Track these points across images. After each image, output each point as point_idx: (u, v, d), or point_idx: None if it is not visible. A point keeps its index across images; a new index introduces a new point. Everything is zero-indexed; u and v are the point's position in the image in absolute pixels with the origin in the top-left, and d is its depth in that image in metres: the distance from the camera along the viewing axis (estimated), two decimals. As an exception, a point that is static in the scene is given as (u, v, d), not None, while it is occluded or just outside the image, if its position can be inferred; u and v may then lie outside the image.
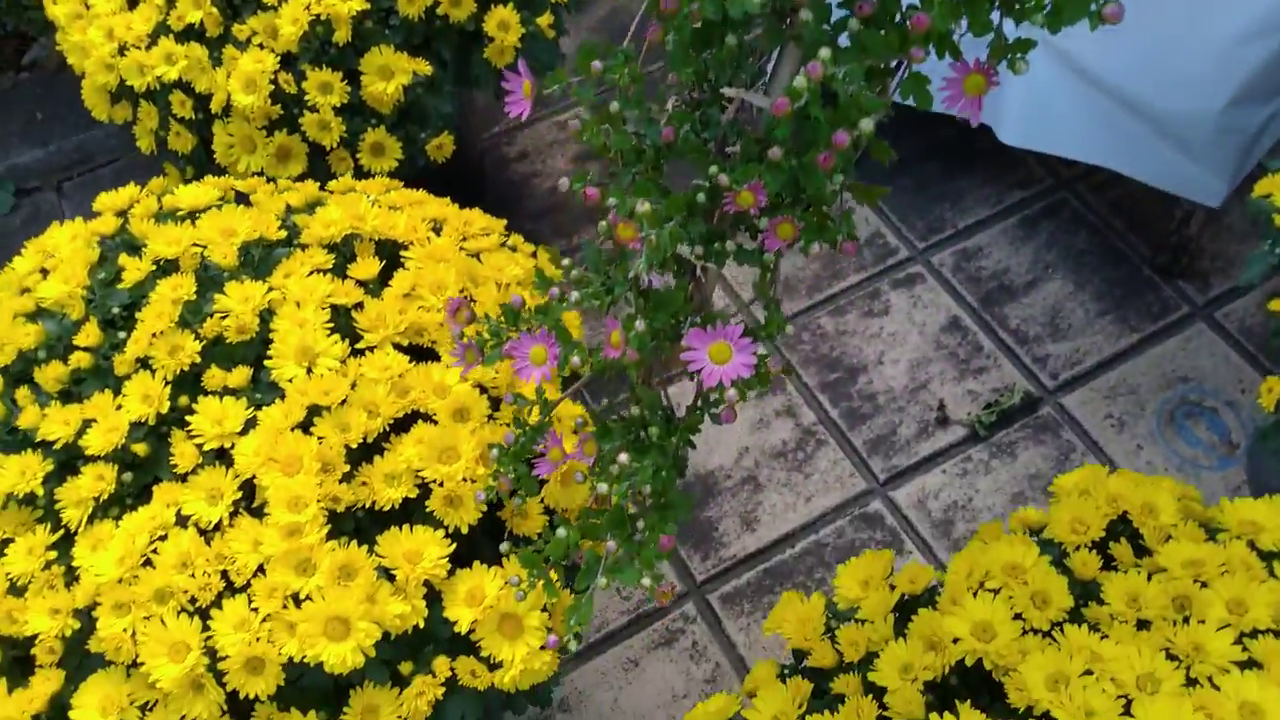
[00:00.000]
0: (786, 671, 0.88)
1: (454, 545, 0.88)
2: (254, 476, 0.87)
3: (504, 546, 0.79)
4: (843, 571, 0.92)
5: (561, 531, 0.73)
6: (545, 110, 2.00)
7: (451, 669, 0.86)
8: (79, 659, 0.87)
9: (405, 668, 0.86)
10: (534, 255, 1.14)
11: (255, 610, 0.82)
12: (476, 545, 0.92)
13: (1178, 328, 1.68)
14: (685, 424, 0.72)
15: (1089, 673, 0.74)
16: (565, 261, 0.70)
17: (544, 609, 0.88)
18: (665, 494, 0.74)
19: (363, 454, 0.91)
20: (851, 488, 1.57)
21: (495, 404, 0.96)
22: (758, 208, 0.63)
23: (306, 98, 1.28)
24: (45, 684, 0.85)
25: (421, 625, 0.86)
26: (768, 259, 0.66)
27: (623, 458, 0.68)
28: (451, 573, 0.88)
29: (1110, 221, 1.80)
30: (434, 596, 0.88)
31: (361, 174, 1.32)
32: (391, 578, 0.86)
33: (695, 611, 1.47)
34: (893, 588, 0.88)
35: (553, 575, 0.78)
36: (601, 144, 0.71)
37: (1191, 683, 0.73)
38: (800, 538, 1.52)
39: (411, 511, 0.90)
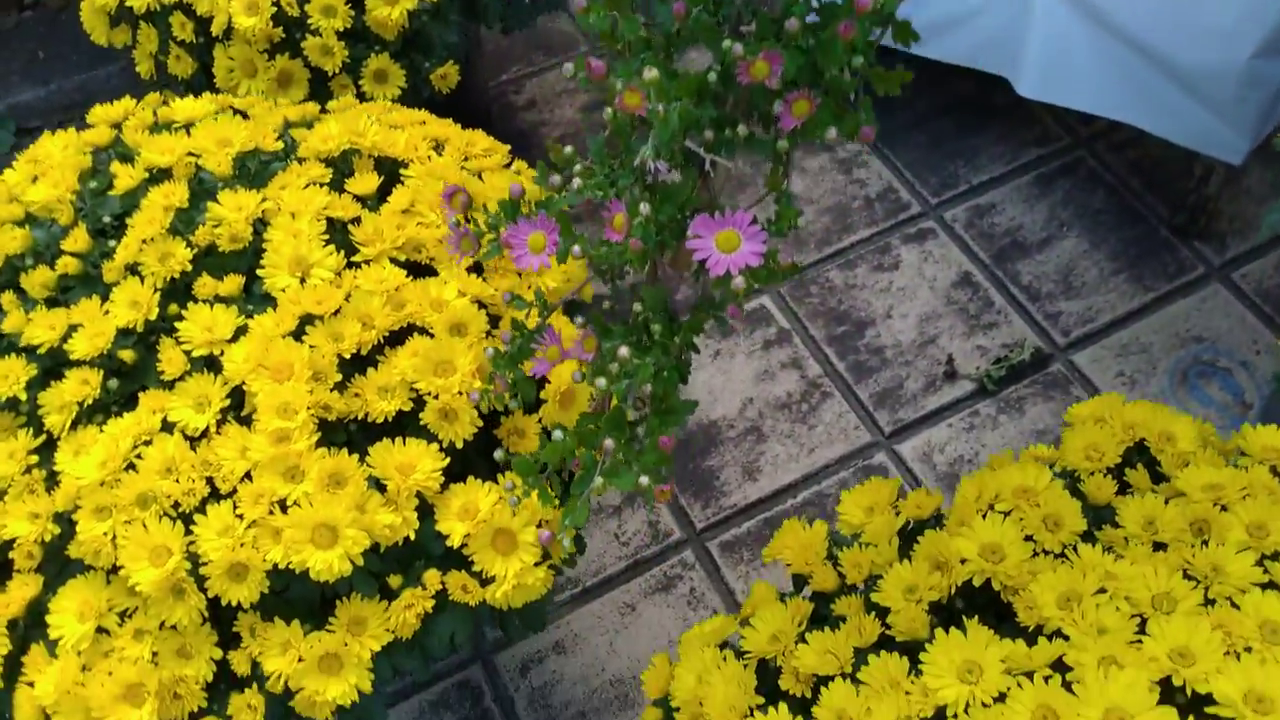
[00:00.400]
0: (786, 597, 0.86)
1: (448, 460, 0.86)
2: (243, 384, 0.85)
3: (498, 454, 0.77)
4: (847, 497, 0.90)
5: (558, 434, 0.71)
6: (553, 59, 1.97)
7: (442, 583, 0.84)
8: (59, 566, 0.85)
9: (394, 581, 0.83)
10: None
11: (240, 517, 0.80)
12: (471, 464, 0.90)
13: (1193, 288, 1.65)
14: (689, 324, 0.69)
15: (1102, 591, 0.71)
16: (568, 149, 0.67)
17: (539, 525, 0.86)
18: (667, 398, 0.71)
19: (356, 366, 0.88)
20: (856, 440, 1.54)
21: (494, 321, 0.93)
22: (772, 84, 0.60)
23: (309, 21, 1.25)
24: (23, 589, 0.83)
25: (412, 538, 0.83)
26: (781, 146, 0.63)
27: (623, 351, 0.65)
28: (445, 487, 0.86)
29: (1128, 181, 1.77)
30: (426, 512, 0.86)
31: (364, 101, 1.29)
32: (383, 489, 0.84)
33: (694, 558, 1.45)
34: (898, 513, 0.86)
35: (549, 490, 0.75)
36: (607, 31, 0.68)
37: (1209, 603, 0.70)
38: (802, 488, 1.50)
39: (405, 426, 0.88)
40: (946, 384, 1.58)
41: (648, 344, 0.69)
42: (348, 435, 0.87)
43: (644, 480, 0.66)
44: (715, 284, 0.65)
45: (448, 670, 1.39)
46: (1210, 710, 0.64)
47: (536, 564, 0.85)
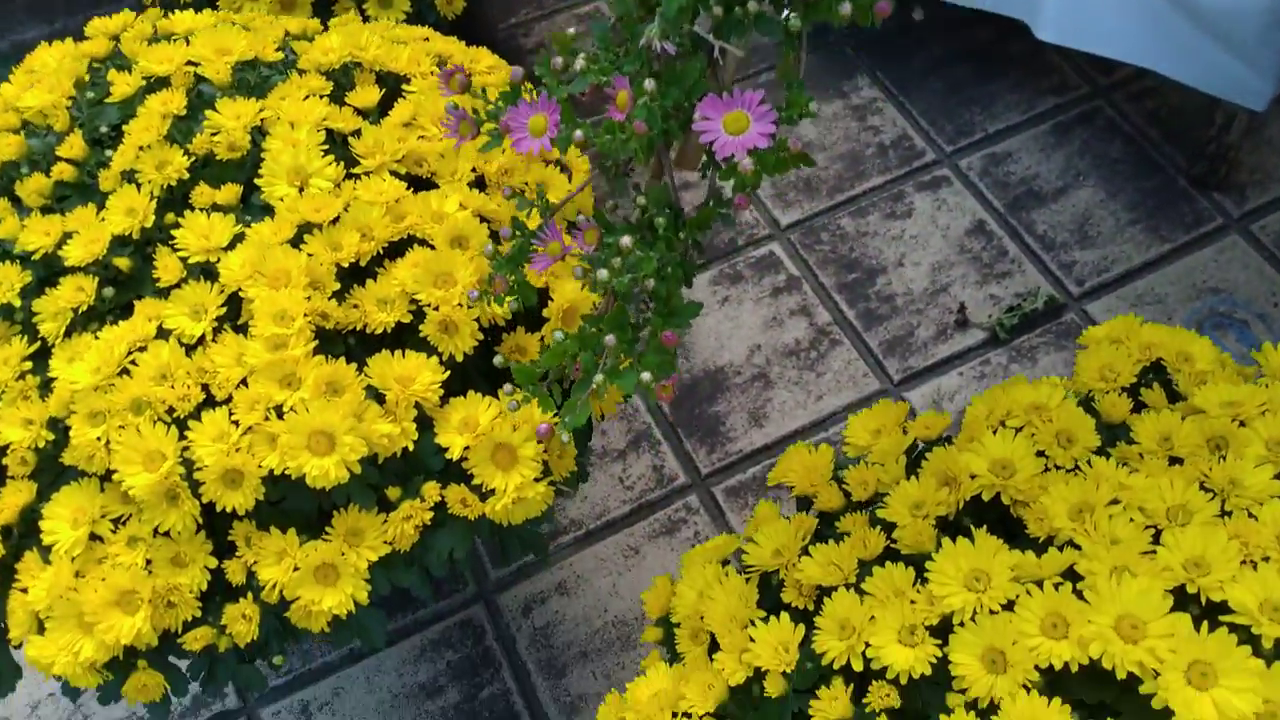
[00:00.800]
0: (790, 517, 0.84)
1: (448, 374, 0.84)
2: (239, 292, 0.83)
3: (498, 359, 0.75)
4: (854, 421, 0.88)
5: (559, 335, 0.69)
6: (563, 2, 1.94)
7: (441, 496, 0.82)
8: (53, 475, 0.84)
9: (393, 493, 0.82)
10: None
11: (236, 423, 0.78)
12: (471, 380, 0.88)
13: (1211, 239, 1.62)
14: (694, 220, 0.67)
15: (1115, 503, 0.69)
16: (570, 30, 0.65)
17: (539, 439, 0.84)
18: (670, 299, 0.69)
19: (355, 278, 0.87)
20: (865, 387, 1.52)
21: (495, 237, 0.91)
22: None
23: (312, -56, 1.22)
24: (16, 495, 0.81)
25: (411, 449, 0.82)
26: (793, 25, 0.61)
27: (625, 240, 0.63)
28: (445, 402, 0.84)
29: (1146, 132, 1.73)
30: (425, 426, 0.84)
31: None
32: (381, 400, 0.82)
33: (698, 503, 1.44)
34: (906, 433, 0.84)
35: (549, 398, 0.73)
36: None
37: (1225, 515, 0.68)
38: (809, 435, 1.48)
39: (405, 341, 0.86)
40: (958, 332, 1.56)
41: (651, 240, 0.67)
42: (346, 348, 0.85)
43: (646, 376, 0.64)
44: (722, 174, 0.63)
45: (449, 610, 1.38)
46: (1225, 619, 0.62)
47: (537, 480, 0.83)
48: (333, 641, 0.85)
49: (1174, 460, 0.73)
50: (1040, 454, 0.75)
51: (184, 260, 0.85)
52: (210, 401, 0.81)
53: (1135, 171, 1.69)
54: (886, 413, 0.87)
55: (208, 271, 0.86)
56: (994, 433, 0.77)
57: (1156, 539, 0.67)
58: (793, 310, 1.60)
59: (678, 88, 0.63)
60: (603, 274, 0.63)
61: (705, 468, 1.46)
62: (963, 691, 0.63)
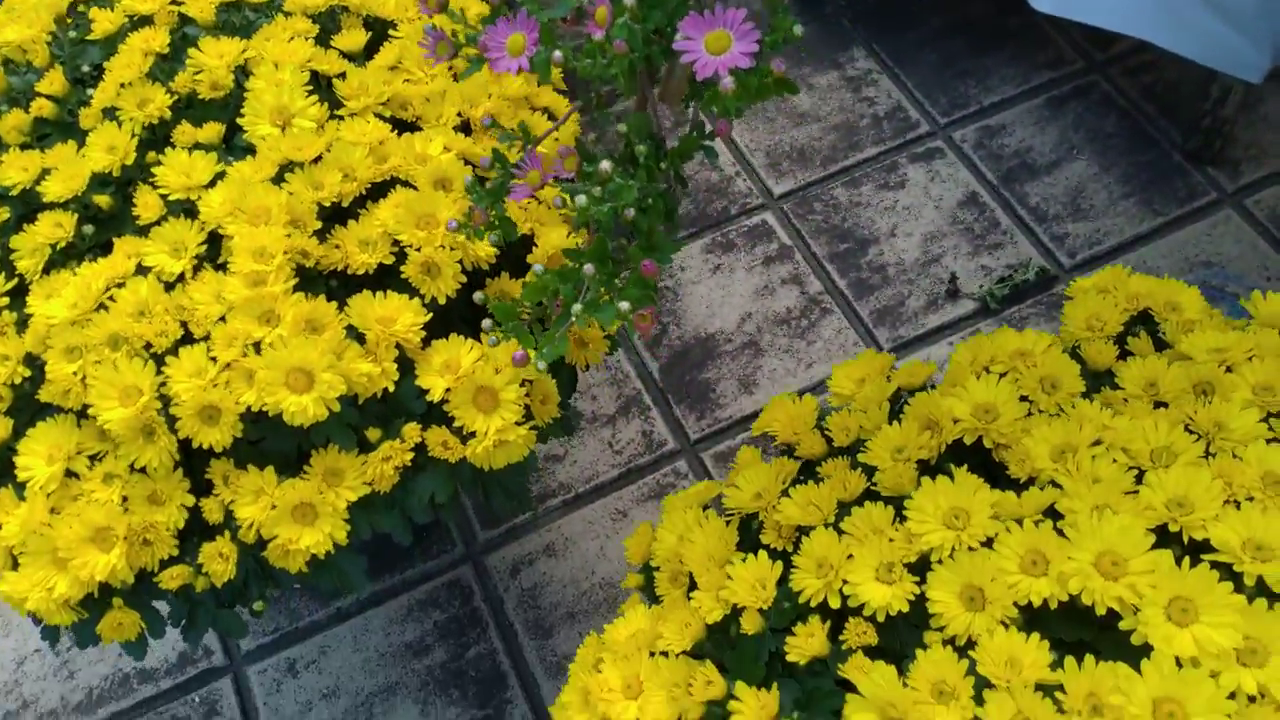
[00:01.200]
0: (774, 465, 0.83)
1: (430, 315, 0.83)
2: (219, 229, 0.82)
3: (478, 295, 0.74)
4: (838, 370, 0.87)
5: (538, 268, 0.68)
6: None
7: (422, 438, 0.81)
8: (30, 412, 0.83)
9: (373, 434, 0.81)
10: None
11: (214, 359, 0.78)
12: (454, 324, 0.87)
13: (1204, 213, 1.61)
14: (676, 149, 0.66)
15: (1098, 444, 0.68)
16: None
17: (521, 383, 0.83)
18: (651, 235, 0.69)
19: (337, 219, 0.86)
20: (854, 356, 1.51)
21: (480, 182, 0.90)
22: None
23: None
24: (-8, 431, 0.81)
25: (391, 390, 0.81)
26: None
27: (605, 165, 0.62)
28: (427, 344, 0.83)
29: (1141, 106, 1.72)
30: (407, 369, 0.83)
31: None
32: (362, 341, 0.81)
33: (687, 468, 1.43)
34: (889, 381, 0.83)
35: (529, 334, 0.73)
36: None
37: (1210, 458, 0.67)
38: (799, 402, 1.47)
39: (387, 284, 0.85)
40: (949, 303, 1.55)
41: (632, 170, 0.66)
42: (328, 290, 0.85)
43: (624, 305, 0.63)
44: (704, 103, 0.62)
45: (437, 570, 1.37)
46: (1207, 558, 0.61)
47: (519, 423, 0.82)
48: (312, 585, 0.84)
49: (1159, 405, 0.73)
50: (1024, 399, 0.75)
51: (164, 198, 0.84)
52: (189, 339, 0.80)
53: (1129, 146, 1.69)
54: (871, 362, 0.86)
55: (189, 211, 0.85)
56: (978, 378, 0.76)
57: (1139, 481, 0.66)
58: (784, 279, 1.59)
59: (660, 10, 0.62)
60: (581, 200, 0.62)
61: (695, 433, 1.46)
62: (941, 629, 0.63)
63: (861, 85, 1.78)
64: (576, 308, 0.64)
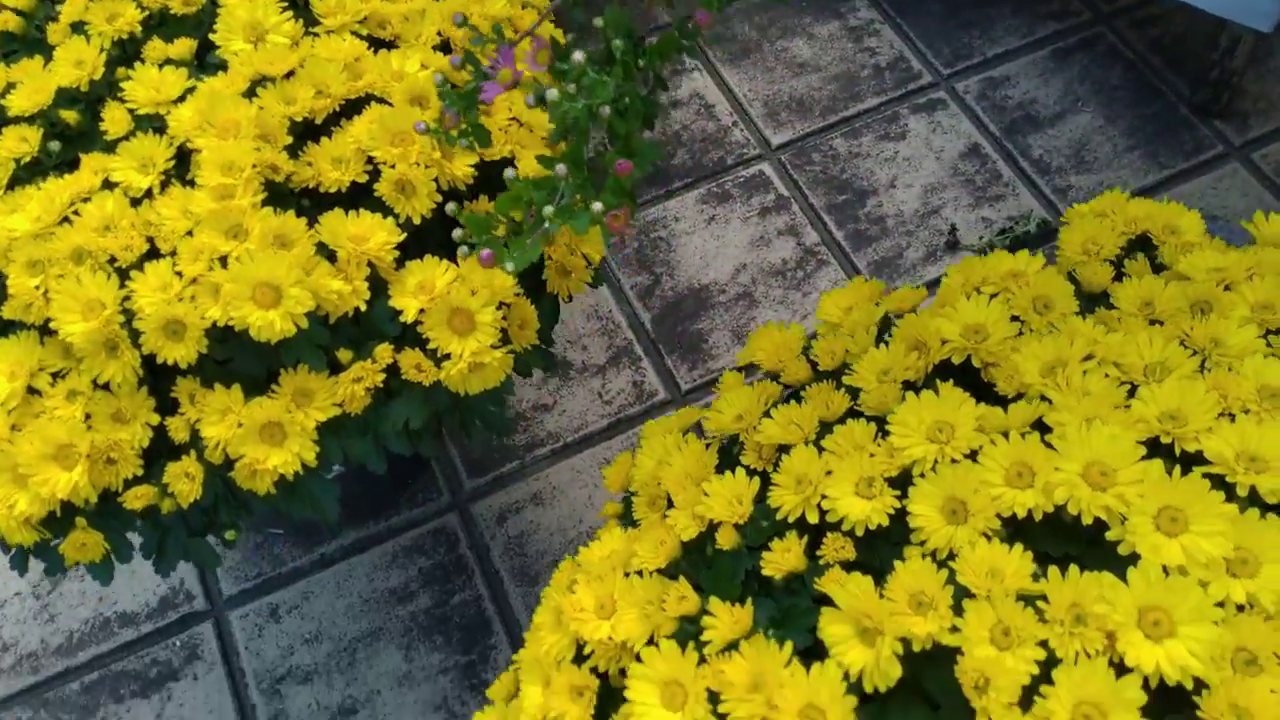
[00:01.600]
0: (758, 392, 0.81)
1: (404, 235, 0.81)
2: (188, 143, 0.80)
3: (450, 207, 0.72)
4: (826, 298, 0.85)
5: (510, 173, 0.66)
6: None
7: (395, 360, 0.79)
8: (-6, 331, 0.81)
9: (344, 355, 0.79)
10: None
11: (180, 275, 0.75)
12: (430, 249, 0.85)
13: (1210, 166, 1.58)
14: (655, 47, 0.64)
15: (1090, 358, 0.66)
16: None
17: (499, 306, 0.81)
18: (629, 139, 0.66)
19: (311, 138, 0.83)
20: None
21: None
22: None
23: None
24: (-46, 347, 0.79)
25: (364, 309, 0.79)
26: None
27: (578, 56, 0.60)
28: (401, 266, 0.81)
29: (1148, 58, 1.69)
30: (381, 291, 0.81)
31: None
32: (333, 259, 0.79)
33: (677, 417, 1.41)
34: (878, 306, 0.80)
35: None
36: None
37: (1206, 373, 0.65)
38: (793, 352, 1.45)
39: (361, 203, 0.83)
40: (948, 254, 1.52)
41: (609, 69, 0.64)
42: (300, 209, 0.82)
43: (597, 206, 0.60)
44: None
45: (423, 518, 1.35)
46: (1200, 470, 0.59)
47: (495, 347, 0.80)
48: (284, 512, 0.82)
49: (1154, 324, 0.70)
50: (1016, 320, 0.72)
51: (133, 113, 0.82)
52: (155, 254, 0.78)
53: (1135, 98, 1.65)
54: (860, 289, 0.84)
55: (159, 128, 0.83)
56: (968, 299, 0.73)
57: (1132, 396, 0.64)
58: (780, 230, 1.56)
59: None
60: (552, 93, 0.60)
61: (686, 384, 1.44)
62: (921, 544, 0.61)
63: (863, 35, 1.74)
64: (548, 210, 0.61)
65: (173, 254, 0.77)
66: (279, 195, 0.81)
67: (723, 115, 1.67)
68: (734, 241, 1.56)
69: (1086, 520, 0.57)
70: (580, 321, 1.50)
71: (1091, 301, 0.75)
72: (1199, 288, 0.70)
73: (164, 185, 0.80)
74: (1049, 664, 0.53)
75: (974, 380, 0.72)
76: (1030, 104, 1.65)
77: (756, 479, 0.67)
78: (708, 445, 0.75)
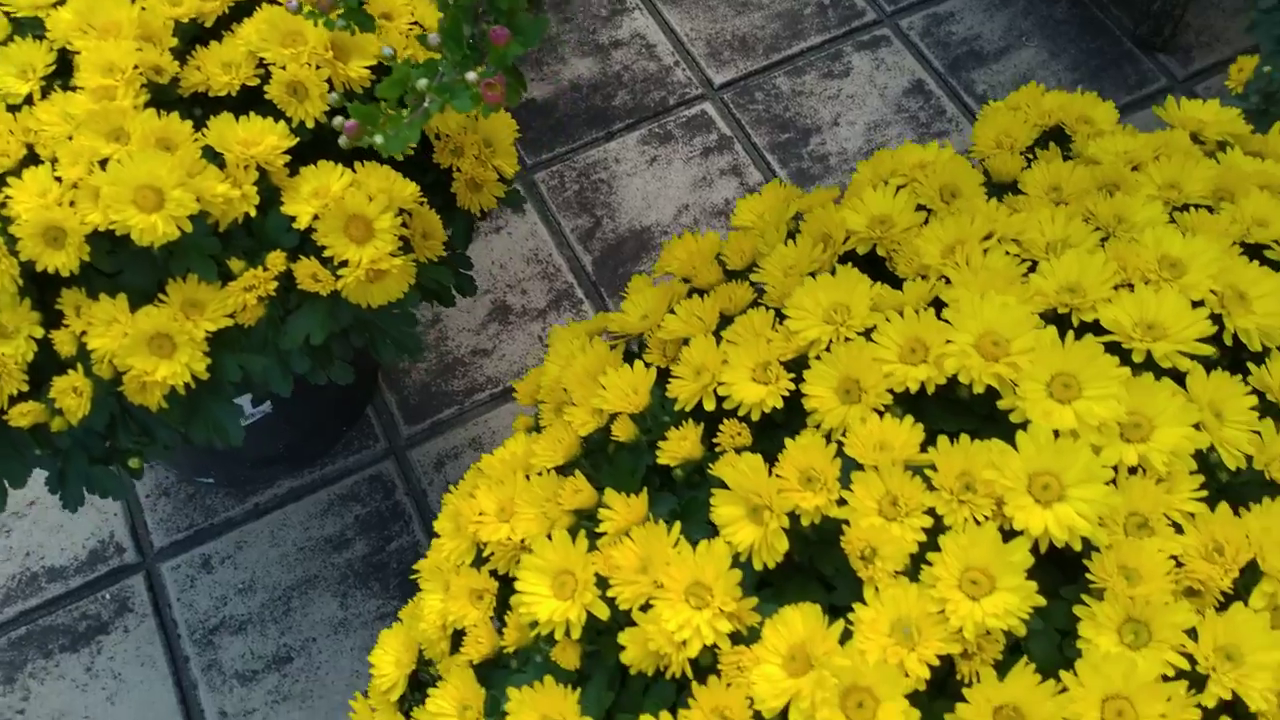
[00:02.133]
0: (669, 298, 0.79)
1: (297, 140, 0.78)
2: (68, 46, 0.76)
3: (334, 96, 0.69)
4: (741, 204, 0.83)
5: (388, 50, 0.63)
6: None
7: (289, 268, 0.76)
8: None
9: (236, 265, 0.76)
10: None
11: (60, 180, 0.72)
12: (326, 154, 0.82)
13: (1154, 100, 1.57)
14: (533, -82, 0.61)
15: (991, 237, 0.64)
16: None
17: (399, 213, 0.78)
18: (514, 16, 0.63)
19: (202, 41, 0.80)
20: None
21: None
22: None
23: None
24: None
25: (255, 216, 0.76)
26: None
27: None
28: (296, 173, 0.78)
29: (1093, -6, 1.67)
30: (275, 200, 0.78)
31: None
32: (223, 165, 0.76)
33: (617, 357, 1.38)
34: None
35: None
36: None
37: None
38: (735, 291, 1.43)
39: (254, 109, 0.80)
40: (891, 191, 1.50)
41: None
42: (192, 118, 0.79)
43: (471, 76, 0.58)
44: None
45: (359, 465, 1.33)
46: (1098, 339, 0.57)
47: (395, 255, 0.78)
48: (184, 432, 0.79)
49: (1061, 205, 0.68)
50: (923, 209, 0.70)
51: (10, 15, 0.78)
52: (34, 161, 0.74)
53: (1080, 33, 1.64)
54: (776, 193, 0.82)
55: (39, 35, 0.79)
56: (875, 190, 0.72)
57: (1033, 272, 0.62)
58: (723, 170, 1.54)
59: None
60: (422, -40, 0.57)
61: (626, 325, 1.41)
62: (817, 427, 0.59)
63: (806, -26, 1.72)
64: (422, 83, 0.59)
65: (53, 160, 0.74)
66: (167, 102, 0.78)
67: (664, 55, 1.64)
68: (676, 182, 1.53)
69: (979, 389, 0.55)
70: (520, 265, 1.48)
71: (1001, 191, 0.73)
72: (1107, 170, 0.68)
73: (45, 92, 0.77)
74: (938, 533, 0.52)
75: (880, 271, 0.70)
76: (974, 40, 1.63)
77: (653, 370, 0.65)
78: (612, 347, 0.72)
